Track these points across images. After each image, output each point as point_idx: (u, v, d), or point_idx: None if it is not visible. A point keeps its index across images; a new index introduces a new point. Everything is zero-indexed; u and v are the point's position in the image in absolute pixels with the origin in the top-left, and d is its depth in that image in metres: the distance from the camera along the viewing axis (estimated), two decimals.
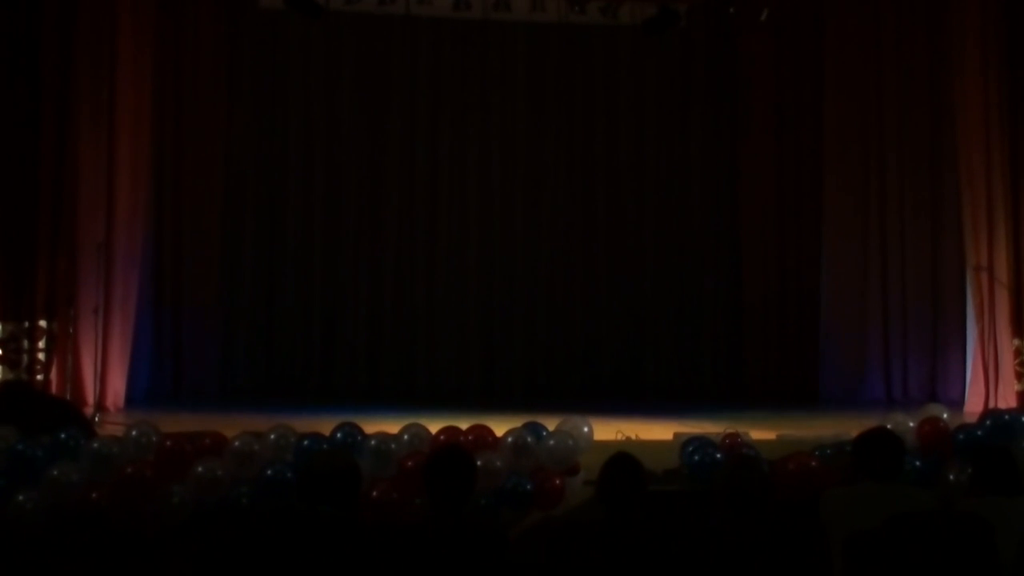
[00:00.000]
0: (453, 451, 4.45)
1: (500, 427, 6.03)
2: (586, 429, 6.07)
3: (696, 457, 5.93)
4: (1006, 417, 6.19)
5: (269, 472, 5.57)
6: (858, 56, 11.24)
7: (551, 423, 6.10)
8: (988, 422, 6.13)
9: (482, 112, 11.99)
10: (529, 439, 5.80)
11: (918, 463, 5.84)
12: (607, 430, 7.57)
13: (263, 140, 11.64)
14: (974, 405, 9.72)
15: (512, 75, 12.05)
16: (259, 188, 11.64)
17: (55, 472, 5.43)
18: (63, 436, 5.69)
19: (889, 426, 5.62)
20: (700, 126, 12.20)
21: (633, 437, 7.50)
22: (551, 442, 5.85)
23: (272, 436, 5.76)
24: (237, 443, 5.68)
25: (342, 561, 3.89)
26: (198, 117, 11.10)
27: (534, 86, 12.06)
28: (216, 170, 11.21)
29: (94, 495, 5.41)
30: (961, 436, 5.95)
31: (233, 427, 6.37)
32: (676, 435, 7.33)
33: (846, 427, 7.48)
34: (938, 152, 11.02)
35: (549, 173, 12.10)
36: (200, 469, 5.53)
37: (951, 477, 5.76)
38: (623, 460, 4.27)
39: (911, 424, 6.17)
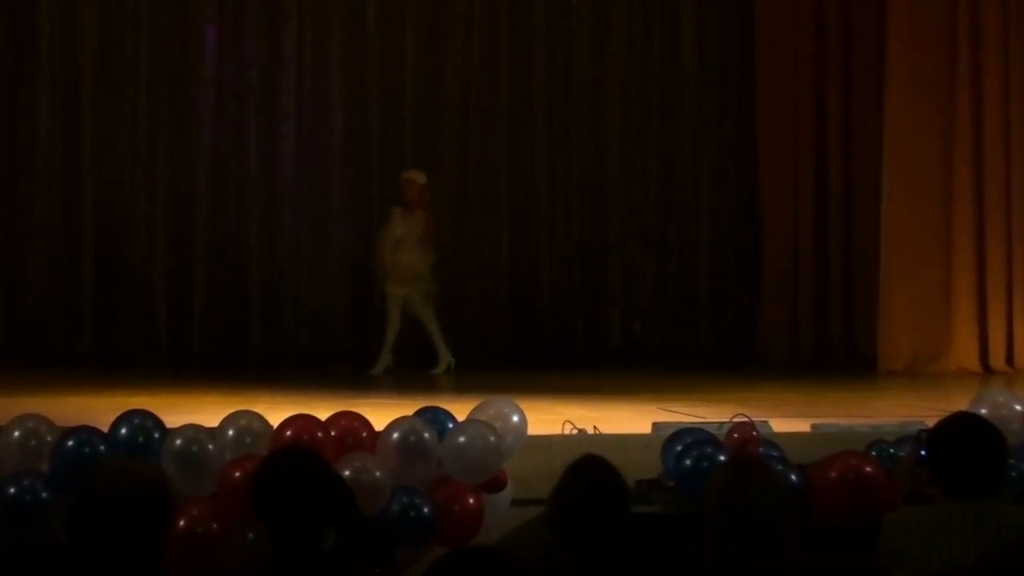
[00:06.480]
0: (294, 455, 4.45)
1: (381, 416, 6.02)
2: (516, 418, 6.08)
3: (688, 461, 5.98)
4: None
5: (12, 489, 5.53)
6: None
7: (461, 408, 6.09)
8: None
9: None
10: (426, 434, 5.80)
11: None
12: (547, 417, 7.61)
13: None
14: None
15: None
16: None
17: None
18: None
19: (983, 411, 5.68)
20: None
21: (591, 430, 7.54)
22: (461, 439, 5.85)
23: (16, 433, 5.74)
24: None
25: None
26: None
27: None
28: None
29: None
30: None
31: None
32: (656, 425, 7.41)
33: (915, 411, 7.59)
34: None
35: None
36: None
37: None
38: (594, 468, 4.26)
39: (1018, 408, 6.25)
